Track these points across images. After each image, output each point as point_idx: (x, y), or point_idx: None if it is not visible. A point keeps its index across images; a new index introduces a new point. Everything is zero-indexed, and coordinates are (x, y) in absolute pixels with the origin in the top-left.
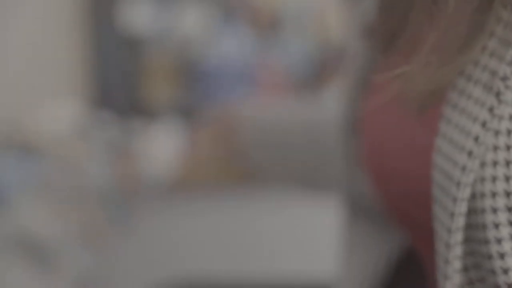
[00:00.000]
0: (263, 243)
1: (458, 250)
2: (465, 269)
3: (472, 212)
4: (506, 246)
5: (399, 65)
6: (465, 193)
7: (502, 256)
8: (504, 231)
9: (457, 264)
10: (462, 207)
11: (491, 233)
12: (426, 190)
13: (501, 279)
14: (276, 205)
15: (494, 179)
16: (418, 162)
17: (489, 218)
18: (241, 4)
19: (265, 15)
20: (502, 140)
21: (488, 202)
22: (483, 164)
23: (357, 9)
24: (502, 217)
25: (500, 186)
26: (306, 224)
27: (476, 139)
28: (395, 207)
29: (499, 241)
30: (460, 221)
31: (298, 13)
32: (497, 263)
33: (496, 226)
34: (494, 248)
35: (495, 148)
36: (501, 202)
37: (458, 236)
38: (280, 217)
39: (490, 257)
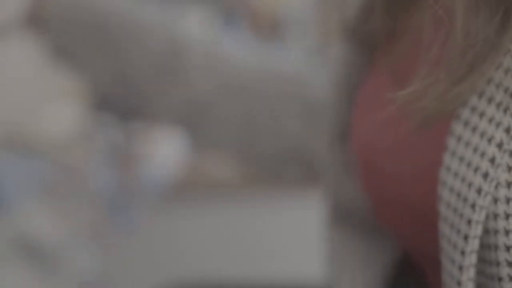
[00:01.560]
0: (264, 245)
1: (471, 273)
2: None
3: (483, 232)
4: None
5: (393, 70)
6: (481, 215)
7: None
8: None
9: (470, 287)
10: (478, 230)
11: (503, 255)
12: (419, 195)
13: None
14: (276, 208)
15: (508, 200)
16: (411, 164)
17: (501, 239)
18: (242, 7)
19: (266, 18)
20: None
21: (501, 224)
22: (497, 185)
23: (336, 9)
24: None
25: None
26: (307, 226)
27: (492, 160)
28: (385, 213)
29: (510, 264)
30: (475, 244)
31: (298, 16)
32: (507, 286)
33: (508, 248)
34: (504, 271)
35: (510, 169)
36: None
37: (473, 259)
38: (280, 219)
39: (500, 279)
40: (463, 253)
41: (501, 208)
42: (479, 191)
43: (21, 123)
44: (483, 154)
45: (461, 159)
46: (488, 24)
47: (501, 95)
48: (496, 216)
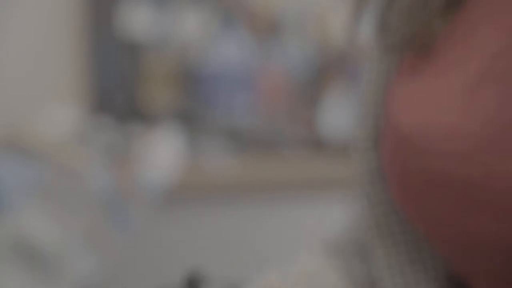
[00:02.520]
0: (263, 246)
1: None
2: None
3: None
4: None
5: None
6: None
7: None
8: None
9: None
10: None
11: None
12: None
13: None
14: (277, 209)
15: None
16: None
17: None
18: (240, 8)
19: (264, 19)
20: None
21: None
22: None
23: (364, 8)
24: None
25: None
26: (306, 227)
27: None
28: (420, 214)
29: None
30: None
31: (297, 17)
32: None
33: None
34: None
35: None
36: None
37: None
38: (280, 221)
39: None
40: None
41: None
42: None
43: (19, 125)
44: None
45: None
46: None
47: None
48: None
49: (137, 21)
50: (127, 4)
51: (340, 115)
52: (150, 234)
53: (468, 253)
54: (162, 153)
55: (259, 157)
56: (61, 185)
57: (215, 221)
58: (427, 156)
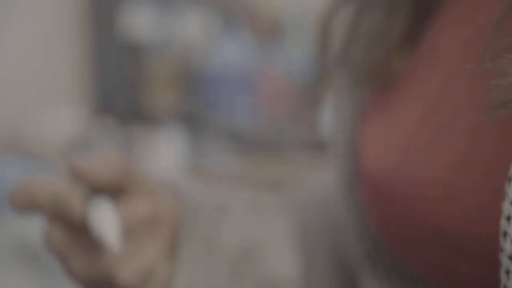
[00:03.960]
0: None
1: None
2: None
3: None
4: None
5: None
6: None
7: None
8: None
9: None
10: None
11: None
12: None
13: None
14: None
15: None
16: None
17: None
18: (242, 11)
19: (266, 21)
20: None
21: None
22: None
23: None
24: None
25: None
26: None
27: None
28: (404, 250)
29: None
30: None
31: (298, 19)
32: None
33: None
34: None
35: None
36: None
37: None
38: None
39: None
40: None
41: None
42: None
43: (22, 127)
44: None
45: None
46: None
47: None
48: None
49: (140, 24)
50: (129, 7)
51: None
52: None
53: (447, 282)
54: (164, 154)
55: (261, 159)
56: None
57: None
58: (399, 201)
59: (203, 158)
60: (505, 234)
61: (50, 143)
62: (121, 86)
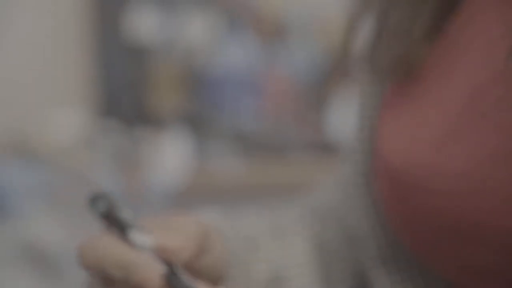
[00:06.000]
0: None
1: None
2: None
3: None
4: None
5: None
6: None
7: None
8: None
9: None
10: None
11: None
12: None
13: None
14: None
15: None
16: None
17: None
18: (246, 12)
19: (270, 23)
20: None
21: None
22: None
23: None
24: None
25: None
26: None
27: None
28: (424, 244)
29: None
30: None
31: (303, 20)
32: None
33: None
34: None
35: None
36: None
37: None
38: None
39: None
40: None
41: None
42: None
43: (27, 130)
44: None
45: None
46: None
47: None
48: None
49: (144, 26)
50: (134, 9)
51: (347, 118)
52: None
53: (467, 278)
54: (169, 156)
55: (266, 160)
56: (69, 189)
57: None
58: (423, 195)
59: (208, 160)
60: None
61: (54, 146)
62: (126, 88)
